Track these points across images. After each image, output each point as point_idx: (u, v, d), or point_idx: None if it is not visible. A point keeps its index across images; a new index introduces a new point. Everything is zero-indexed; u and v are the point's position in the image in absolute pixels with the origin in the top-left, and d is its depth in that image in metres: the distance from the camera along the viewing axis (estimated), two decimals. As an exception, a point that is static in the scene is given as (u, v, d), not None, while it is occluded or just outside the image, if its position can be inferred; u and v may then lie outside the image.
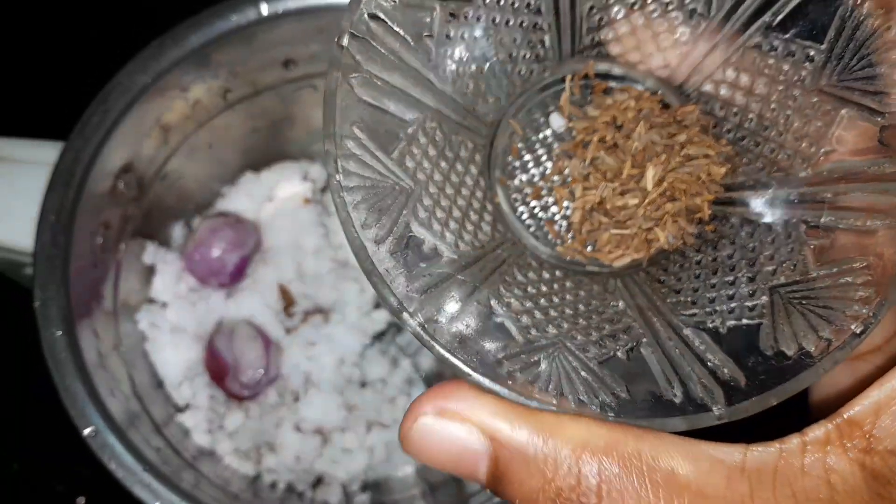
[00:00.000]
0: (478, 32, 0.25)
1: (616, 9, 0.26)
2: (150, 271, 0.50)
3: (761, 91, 0.24)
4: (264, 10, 0.43)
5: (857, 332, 0.20)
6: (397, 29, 0.22)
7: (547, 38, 0.26)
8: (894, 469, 0.18)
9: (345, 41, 0.21)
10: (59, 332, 0.38)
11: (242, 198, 0.53)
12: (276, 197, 0.53)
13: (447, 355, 0.20)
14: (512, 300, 0.22)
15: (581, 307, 0.23)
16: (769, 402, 0.19)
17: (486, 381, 0.20)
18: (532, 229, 0.26)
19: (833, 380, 0.22)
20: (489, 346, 0.21)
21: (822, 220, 0.22)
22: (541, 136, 0.27)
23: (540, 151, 0.26)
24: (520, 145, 0.26)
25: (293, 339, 0.50)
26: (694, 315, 0.22)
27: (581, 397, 0.20)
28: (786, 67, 0.24)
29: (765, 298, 0.22)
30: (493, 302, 0.22)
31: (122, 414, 0.39)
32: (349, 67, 0.21)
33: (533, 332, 0.22)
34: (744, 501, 0.18)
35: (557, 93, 0.27)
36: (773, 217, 0.24)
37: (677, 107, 0.26)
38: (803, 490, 0.18)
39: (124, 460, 0.37)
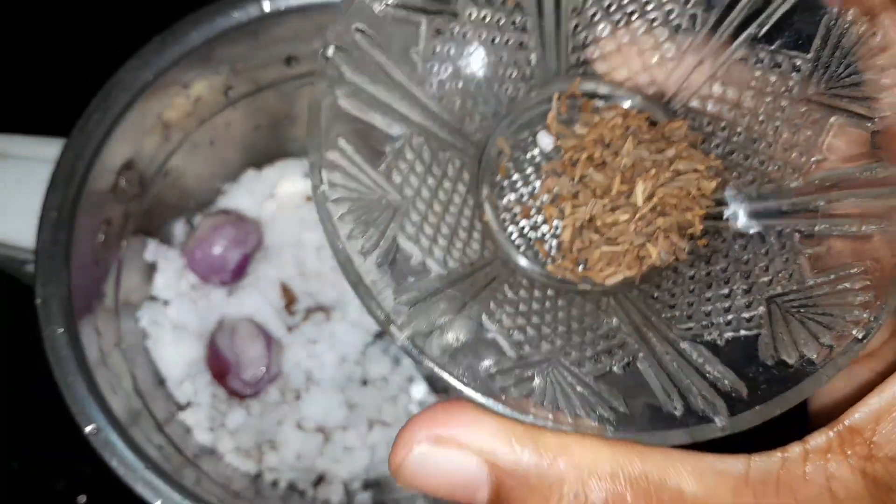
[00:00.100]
0: (464, 49, 0.24)
1: (601, 26, 0.25)
2: (151, 269, 0.49)
3: (749, 104, 0.24)
4: (266, 6, 0.43)
5: (859, 336, 0.19)
6: (383, 42, 0.22)
7: (533, 57, 0.26)
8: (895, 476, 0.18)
9: (330, 52, 0.21)
10: (61, 330, 0.38)
11: (244, 195, 0.53)
12: (278, 194, 0.53)
13: (438, 370, 0.19)
14: (503, 317, 0.22)
15: (574, 324, 0.23)
16: (773, 412, 0.19)
17: (478, 396, 0.19)
18: (522, 248, 0.25)
19: (832, 387, 0.22)
20: (481, 360, 0.20)
21: (817, 228, 0.22)
22: (529, 154, 0.26)
23: (528, 170, 0.26)
24: (508, 164, 0.26)
25: (294, 337, 0.50)
26: (690, 329, 0.22)
27: (578, 412, 0.19)
28: (773, 79, 0.24)
29: (762, 309, 0.22)
30: (483, 317, 0.21)
31: (123, 412, 0.39)
32: (334, 79, 0.21)
33: (526, 348, 0.21)
34: None
35: (545, 112, 0.26)
36: (766, 229, 0.23)
37: (665, 123, 0.26)
38: (806, 498, 0.18)
39: (126, 458, 0.37)
